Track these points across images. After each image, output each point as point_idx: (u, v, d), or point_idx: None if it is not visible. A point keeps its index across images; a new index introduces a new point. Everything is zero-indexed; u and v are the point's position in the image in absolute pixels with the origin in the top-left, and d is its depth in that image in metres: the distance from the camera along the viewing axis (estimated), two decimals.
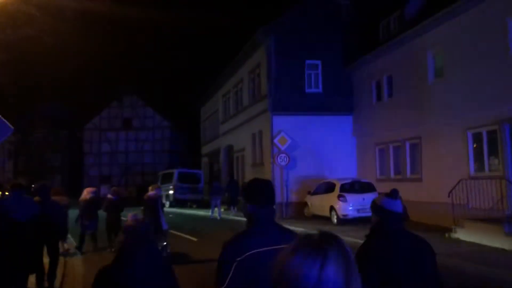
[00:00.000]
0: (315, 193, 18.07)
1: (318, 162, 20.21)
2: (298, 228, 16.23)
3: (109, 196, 11.84)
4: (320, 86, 20.72)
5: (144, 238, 2.77)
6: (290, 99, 20.28)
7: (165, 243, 10.03)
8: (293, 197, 19.90)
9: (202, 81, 38.58)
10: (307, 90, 20.58)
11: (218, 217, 20.68)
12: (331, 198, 16.41)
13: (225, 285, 2.33)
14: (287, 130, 20.06)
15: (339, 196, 16.04)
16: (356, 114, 20.77)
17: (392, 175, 18.28)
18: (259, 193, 2.58)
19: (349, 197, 15.93)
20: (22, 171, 60.13)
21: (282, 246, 1.57)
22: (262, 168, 21.83)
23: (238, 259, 2.36)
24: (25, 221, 6.10)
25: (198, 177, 30.25)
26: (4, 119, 7.19)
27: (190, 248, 12.42)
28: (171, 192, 29.09)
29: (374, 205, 2.80)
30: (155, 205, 10.23)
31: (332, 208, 16.37)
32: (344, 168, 20.16)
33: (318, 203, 17.54)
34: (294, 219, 18.45)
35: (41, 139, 58.53)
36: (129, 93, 51.71)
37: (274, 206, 2.66)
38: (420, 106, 16.26)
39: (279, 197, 19.78)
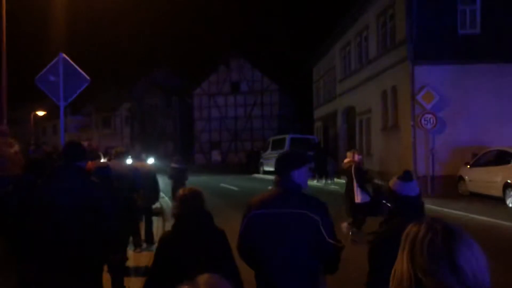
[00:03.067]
0: (476, 164, 13.79)
1: (474, 125, 15.67)
2: (453, 211, 12.28)
3: (173, 165, 11.47)
4: (478, 26, 15.88)
5: (195, 209, 2.95)
6: (437, 44, 15.80)
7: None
8: (441, 170, 15.71)
9: (315, 37, 34.70)
10: (461, 32, 15.88)
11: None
12: (507, 172, 12.08)
13: (239, 234, 2.86)
14: (433, 84, 15.74)
15: None
16: None
17: None
18: (278, 164, 2.89)
19: None
20: (138, 137, 62.26)
21: (294, 211, 2.69)
22: (396, 132, 17.80)
23: (249, 215, 2.79)
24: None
25: (313, 143, 26.97)
26: (80, 70, 6.84)
27: None
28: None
29: (388, 191, 2.59)
30: (349, 174, 8.74)
31: (508, 186, 12.05)
32: (508, 135, 15.42)
33: (482, 178, 13.25)
34: (443, 198, 14.39)
35: (153, 106, 59.68)
36: (236, 56, 49.65)
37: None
38: None
39: (423, 169, 15.76)
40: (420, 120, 15.52)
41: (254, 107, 49.44)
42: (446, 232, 1.19)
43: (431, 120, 15.46)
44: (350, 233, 8.28)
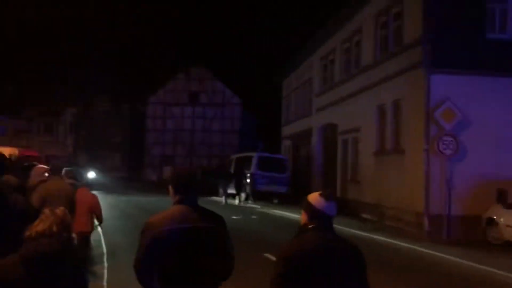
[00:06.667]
0: None
1: (500, 153, 12.46)
2: (481, 266, 8.81)
3: (67, 181, 7.95)
4: (510, 29, 12.81)
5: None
6: (458, 50, 12.56)
7: None
8: (460, 208, 12.28)
9: (288, 47, 31.14)
10: (489, 36, 12.72)
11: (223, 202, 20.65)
12: None
13: (141, 255, 2.66)
14: (452, 98, 12.45)
15: None
16: None
17: None
18: (181, 182, 2.83)
19: None
20: (83, 146, 56.69)
21: (205, 225, 2.70)
22: (399, 157, 14.30)
23: (153, 232, 2.64)
24: None
25: (283, 164, 23.30)
26: None
27: None
28: (248, 181, 22.43)
29: (306, 202, 2.57)
30: None
31: None
32: None
33: None
34: (466, 246, 10.95)
35: (102, 113, 54.59)
36: (197, 64, 45.67)
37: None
38: None
39: (436, 206, 12.25)
40: (438, 144, 12.10)
41: (213, 120, 45.50)
42: None
43: (452, 144, 12.09)
44: None
